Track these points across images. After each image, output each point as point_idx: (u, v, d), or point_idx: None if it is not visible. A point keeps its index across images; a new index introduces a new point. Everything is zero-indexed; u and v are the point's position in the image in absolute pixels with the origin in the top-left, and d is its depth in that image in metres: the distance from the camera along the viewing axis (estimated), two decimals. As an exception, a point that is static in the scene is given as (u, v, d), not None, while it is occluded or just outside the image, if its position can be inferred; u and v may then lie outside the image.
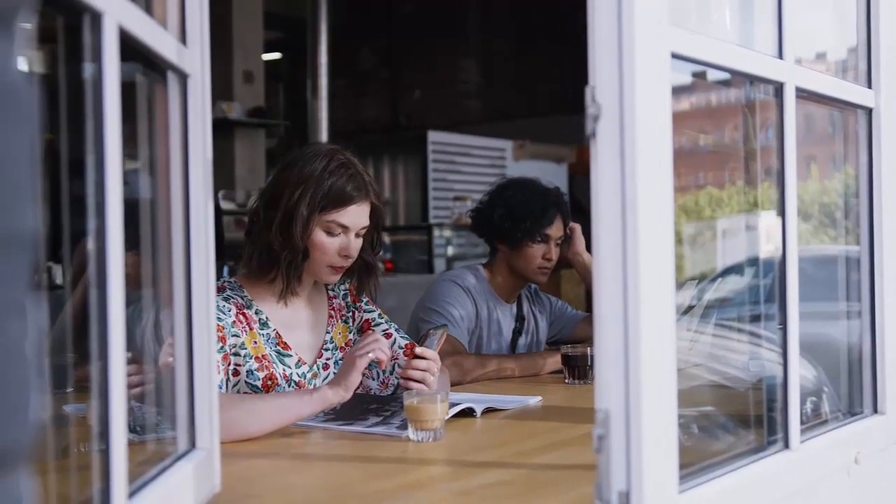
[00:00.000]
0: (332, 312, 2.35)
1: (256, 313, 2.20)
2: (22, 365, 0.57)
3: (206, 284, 1.38)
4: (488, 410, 2.16)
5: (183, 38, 1.34)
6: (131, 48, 1.10)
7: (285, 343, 2.21)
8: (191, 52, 1.35)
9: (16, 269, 0.58)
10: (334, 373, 2.27)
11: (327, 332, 2.32)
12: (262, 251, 2.17)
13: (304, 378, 2.22)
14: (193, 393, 1.37)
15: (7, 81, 0.59)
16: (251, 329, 2.16)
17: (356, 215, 2.18)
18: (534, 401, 2.33)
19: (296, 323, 2.26)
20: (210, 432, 1.39)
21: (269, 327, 2.20)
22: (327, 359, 2.30)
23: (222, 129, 7.11)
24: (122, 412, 1.02)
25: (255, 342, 2.16)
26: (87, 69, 1.01)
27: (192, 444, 1.36)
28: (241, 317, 2.15)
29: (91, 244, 1.00)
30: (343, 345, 2.33)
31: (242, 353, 2.12)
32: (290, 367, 2.20)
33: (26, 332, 0.58)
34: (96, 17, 0.99)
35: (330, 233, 2.16)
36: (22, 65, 0.61)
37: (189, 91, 1.34)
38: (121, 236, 1.02)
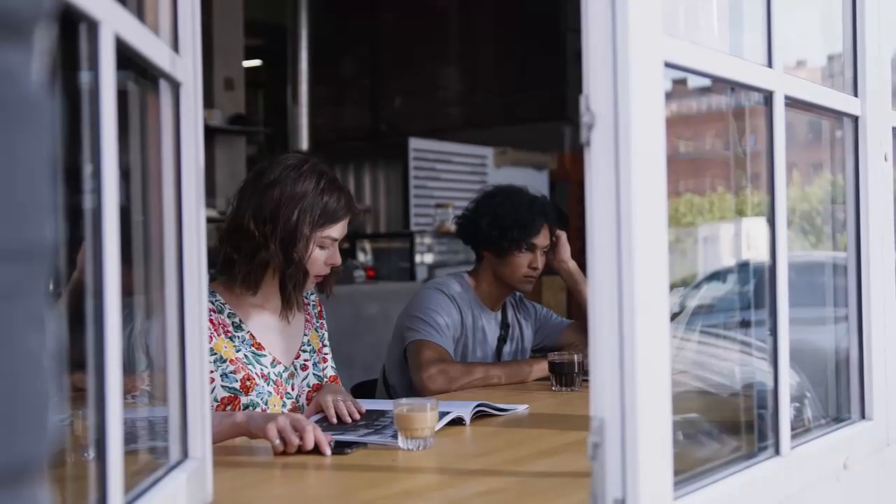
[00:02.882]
0: (308, 317, 2.42)
1: (229, 317, 2.24)
2: (40, 377, 0.57)
3: (199, 292, 1.37)
4: (479, 415, 2.16)
5: (175, 46, 1.33)
6: (124, 56, 1.09)
7: (259, 344, 2.26)
8: (183, 60, 1.34)
9: (35, 281, 0.57)
10: (313, 374, 2.35)
11: (304, 335, 2.38)
12: (259, 268, 2.21)
13: (281, 377, 2.27)
14: (186, 403, 1.36)
15: (26, 93, 0.59)
16: (220, 335, 2.20)
17: (344, 227, 2.29)
18: (522, 408, 2.33)
19: (272, 326, 2.31)
20: (202, 442, 1.38)
21: (243, 330, 2.24)
22: (305, 360, 2.36)
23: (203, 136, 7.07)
24: (118, 422, 1.01)
25: (227, 346, 2.20)
26: (83, 77, 1.00)
27: (185, 454, 1.36)
28: (209, 322, 2.17)
29: (87, 252, 1.00)
30: (317, 348, 2.41)
31: (212, 357, 2.15)
32: (266, 367, 2.24)
33: (45, 344, 0.58)
34: (93, 26, 0.98)
35: (322, 247, 2.25)
36: (40, 75, 0.61)
37: (182, 99, 1.34)
38: (117, 243, 1.01)
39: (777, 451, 1.51)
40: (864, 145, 1.82)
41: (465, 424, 2.10)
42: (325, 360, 2.44)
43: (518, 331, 3.16)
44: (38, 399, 0.57)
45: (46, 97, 0.62)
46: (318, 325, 2.44)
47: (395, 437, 1.88)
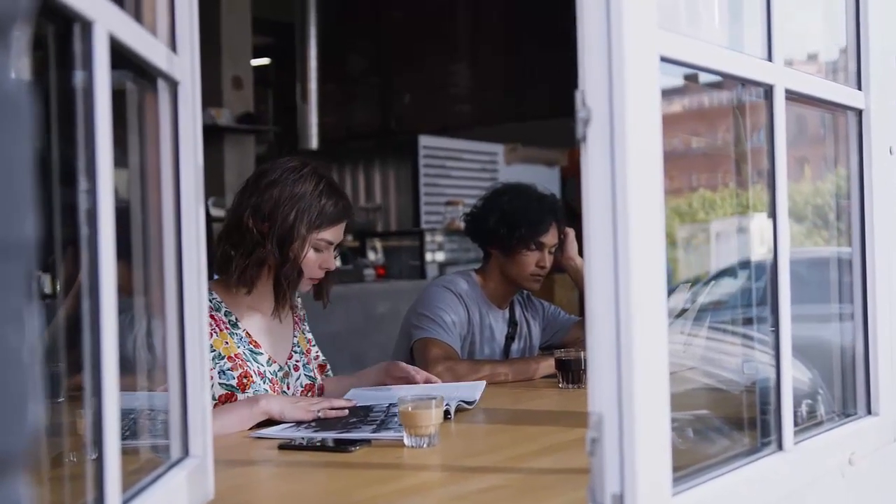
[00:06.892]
0: (297, 320, 2.48)
1: (226, 315, 2.29)
2: (20, 372, 0.58)
3: (199, 292, 1.38)
4: (459, 410, 2.19)
5: (173, 45, 1.34)
6: (121, 56, 1.10)
7: (256, 342, 2.31)
8: (181, 59, 1.35)
9: (15, 277, 0.58)
10: (305, 374, 2.41)
11: (294, 336, 2.44)
12: (255, 265, 2.26)
13: (276, 377, 2.32)
14: (186, 401, 1.36)
15: (5, 90, 0.59)
16: (221, 331, 2.25)
17: (339, 232, 2.33)
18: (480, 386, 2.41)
19: (265, 326, 2.36)
20: (203, 440, 1.38)
21: (239, 328, 2.29)
22: (296, 361, 2.42)
23: (211, 136, 7.08)
24: (115, 420, 1.02)
25: (227, 343, 2.24)
26: (78, 77, 1.00)
27: (186, 452, 1.36)
28: (209, 319, 2.19)
29: (83, 252, 1.00)
30: (306, 350, 2.47)
31: (211, 355, 2.18)
32: (262, 365, 2.29)
33: (24, 340, 0.59)
34: (87, 26, 0.98)
35: (317, 249, 2.30)
36: (19, 73, 0.62)
37: (179, 98, 1.34)
38: (113, 244, 1.01)
39: (780, 447, 1.51)
40: (868, 139, 1.81)
41: (450, 419, 2.09)
42: (317, 358, 2.52)
43: (526, 328, 3.16)
44: (18, 394, 0.58)
45: (26, 96, 0.62)
46: (304, 328, 2.51)
47: (398, 432, 1.88)
